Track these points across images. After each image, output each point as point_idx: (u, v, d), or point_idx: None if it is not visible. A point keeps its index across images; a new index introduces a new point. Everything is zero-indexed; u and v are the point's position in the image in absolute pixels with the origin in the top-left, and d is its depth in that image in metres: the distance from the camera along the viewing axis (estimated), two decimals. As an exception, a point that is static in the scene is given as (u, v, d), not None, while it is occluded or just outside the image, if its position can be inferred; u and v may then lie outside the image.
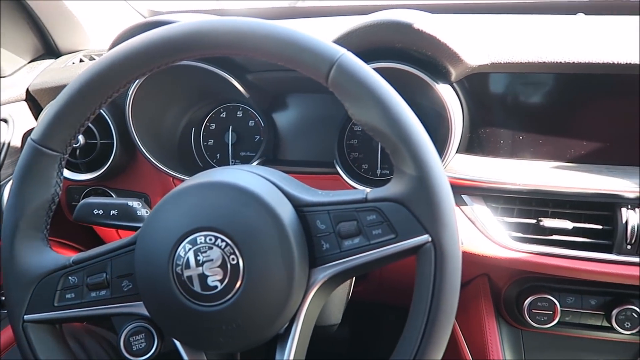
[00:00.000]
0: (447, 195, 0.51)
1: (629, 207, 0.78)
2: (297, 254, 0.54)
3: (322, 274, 0.55)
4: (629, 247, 0.77)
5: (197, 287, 0.53)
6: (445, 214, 0.51)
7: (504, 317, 0.91)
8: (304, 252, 0.55)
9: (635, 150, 0.83)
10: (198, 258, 0.53)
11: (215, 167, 1.01)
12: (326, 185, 0.90)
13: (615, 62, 0.77)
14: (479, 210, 0.83)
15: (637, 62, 0.76)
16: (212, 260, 0.53)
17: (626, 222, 0.77)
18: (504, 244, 0.81)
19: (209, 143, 1.02)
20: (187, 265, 0.53)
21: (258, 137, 1.00)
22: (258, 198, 0.54)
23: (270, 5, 1.35)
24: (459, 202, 0.84)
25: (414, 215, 0.52)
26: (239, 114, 1.01)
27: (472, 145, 0.87)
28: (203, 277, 0.53)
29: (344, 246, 0.54)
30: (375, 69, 0.77)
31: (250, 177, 0.58)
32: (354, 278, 0.88)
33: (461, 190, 0.84)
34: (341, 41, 0.75)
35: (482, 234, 0.82)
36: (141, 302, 0.58)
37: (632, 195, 0.77)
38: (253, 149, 1.00)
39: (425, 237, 0.51)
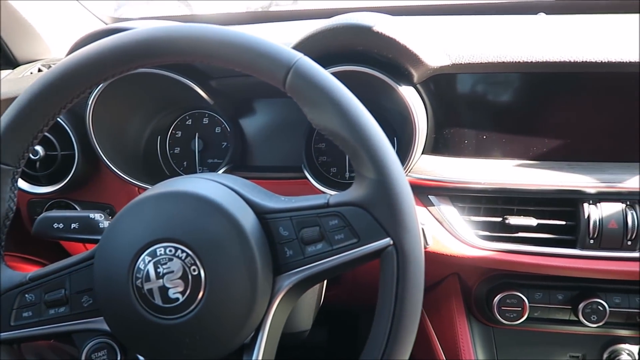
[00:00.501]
0: (407, 198, 0.51)
1: (591, 202, 0.79)
2: (260, 261, 0.53)
3: (287, 281, 0.55)
4: (591, 241, 0.78)
5: (158, 300, 0.52)
6: (406, 216, 0.51)
7: (475, 315, 0.92)
8: (267, 259, 0.54)
9: (595, 146, 0.85)
10: (158, 270, 0.52)
11: (182, 175, 1.00)
12: (295, 190, 0.90)
13: (576, 61, 0.79)
14: (446, 210, 0.83)
15: (597, 61, 0.78)
16: (172, 272, 0.52)
17: (588, 217, 0.78)
18: (471, 243, 0.82)
19: (175, 151, 1.01)
20: (147, 278, 0.52)
21: (225, 143, 0.99)
22: (218, 206, 0.53)
23: (245, 6, 1.35)
24: (426, 203, 0.84)
25: (375, 219, 0.52)
26: (205, 120, 0.99)
27: (438, 145, 0.88)
28: (164, 290, 0.52)
29: (307, 252, 0.54)
30: (338, 72, 0.78)
31: (210, 185, 0.57)
32: (324, 282, 0.88)
33: (428, 190, 0.84)
34: (301, 46, 0.75)
35: (449, 234, 0.82)
36: (102, 318, 0.56)
37: (593, 191, 0.79)
38: (220, 155, 0.99)
39: (387, 241, 0.51)
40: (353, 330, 1.52)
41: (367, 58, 0.79)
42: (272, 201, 0.57)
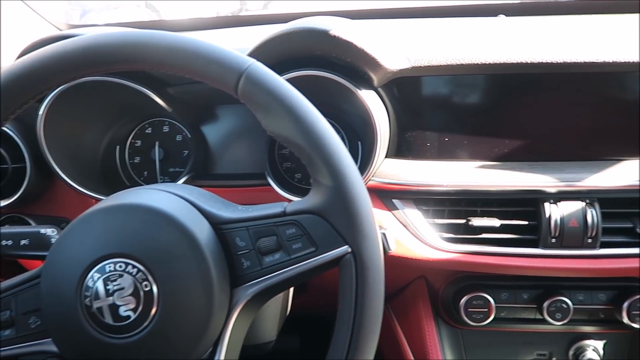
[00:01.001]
0: (364, 204, 0.51)
1: (551, 201, 0.80)
2: (216, 274, 0.52)
3: (245, 293, 0.54)
4: (553, 240, 0.79)
5: (108, 319, 0.50)
6: (364, 223, 0.50)
7: (442, 317, 0.92)
8: (223, 271, 0.53)
9: (554, 146, 0.86)
10: (108, 287, 0.50)
11: (143, 185, 0.97)
12: (259, 198, 0.88)
13: (534, 62, 0.79)
14: (410, 213, 0.83)
15: (555, 61, 0.79)
16: (123, 288, 0.50)
17: (549, 216, 0.79)
18: (436, 246, 0.81)
19: (135, 161, 0.98)
20: (97, 296, 0.50)
21: (186, 151, 0.97)
22: (171, 218, 0.52)
23: (215, 11, 1.32)
24: (390, 207, 0.83)
25: (333, 226, 0.51)
26: (165, 128, 0.97)
27: (401, 149, 0.88)
28: (114, 308, 0.50)
29: (264, 263, 0.53)
30: (297, 77, 0.77)
31: (162, 196, 0.55)
32: (290, 291, 0.87)
33: (392, 194, 0.84)
34: (258, 51, 0.74)
35: (414, 237, 0.82)
36: (50, 339, 0.54)
37: (553, 190, 0.80)
38: (182, 164, 0.97)
39: (345, 248, 0.50)
40: (325, 336, 1.50)
41: (326, 62, 0.78)
42: (229, 211, 0.56)
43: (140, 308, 0.50)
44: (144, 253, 0.50)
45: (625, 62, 0.78)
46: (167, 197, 0.55)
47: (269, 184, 0.87)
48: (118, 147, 0.97)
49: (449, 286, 0.89)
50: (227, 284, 0.53)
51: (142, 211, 0.52)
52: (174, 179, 0.96)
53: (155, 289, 0.50)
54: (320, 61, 0.78)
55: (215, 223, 0.54)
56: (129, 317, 0.50)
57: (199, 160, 0.94)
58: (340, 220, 0.50)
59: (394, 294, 0.99)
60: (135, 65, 0.52)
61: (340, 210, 0.50)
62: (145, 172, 0.98)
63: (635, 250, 0.79)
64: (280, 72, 0.78)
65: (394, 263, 0.83)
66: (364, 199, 0.51)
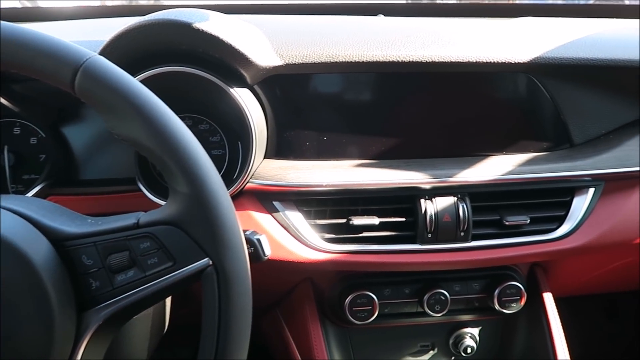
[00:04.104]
0: (226, 212, 0.47)
1: (426, 197, 0.82)
2: (57, 298, 0.45)
3: (96, 317, 0.48)
4: (429, 235, 0.81)
5: None
6: (226, 232, 0.46)
7: (329, 317, 0.91)
8: (67, 295, 0.46)
9: (427, 143, 0.88)
10: None
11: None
12: (131, 205, 0.80)
13: (406, 61, 0.81)
14: (292, 215, 0.80)
15: (428, 60, 0.81)
16: None
17: (425, 212, 0.81)
18: (318, 247, 0.80)
19: (-22, 168, 0.85)
20: None
21: (44, 156, 0.86)
22: None
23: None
24: (270, 209, 0.80)
25: (192, 237, 0.47)
26: (16, 130, 0.85)
27: (281, 149, 0.85)
28: None
29: (116, 282, 0.48)
30: (162, 74, 0.71)
31: (-13, 212, 0.47)
32: (167, 305, 0.81)
33: (272, 196, 0.81)
34: (112, 45, 0.67)
35: (295, 240, 0.80)
36: None
37: (428, 187, 0.82)
38: (38, 170, 0.86)
39: (206, 261, 0.46)
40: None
41: (199, 59, 0.73)
42: (74, 225, 0.49)
43: None
44: None
45: (493, 62, 0.82)
46: (-6, 213, 0.47)
47: (140, 190, 0.80)
48: (-44, 153, 0.84)
49: (334, 286, 0.88)
50: (73, 308, 0.47)
51: (-44, 231, 0.44)
52: (28, 187, 0.85)
53: None
54: (193, 57, 0.73)
55: (57, 240, 0.48)
56: (-59, 360, 0.42)
57: (58, 165, 0.84)
58: (199, 230, 0.46)
59: (282, 297, 0.96)
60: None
61: (199, 219, 0.46)
62: (-7, 181, 0.85)
63: (502, 241, 0.84)
64: (143, 68, 0.71)
65: (277, 267, 0.81)
66: (225, 206, 0.47)
